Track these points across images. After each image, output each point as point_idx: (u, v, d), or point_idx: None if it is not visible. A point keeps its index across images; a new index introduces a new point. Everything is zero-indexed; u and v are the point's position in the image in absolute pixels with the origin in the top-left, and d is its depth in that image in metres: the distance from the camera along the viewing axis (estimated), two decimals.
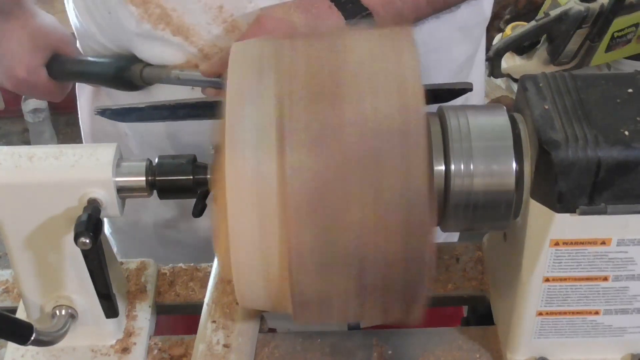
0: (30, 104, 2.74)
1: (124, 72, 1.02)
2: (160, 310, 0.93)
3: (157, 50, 0.99)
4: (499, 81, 2.30)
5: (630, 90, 0.74)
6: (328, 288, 0.69)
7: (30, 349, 0.85)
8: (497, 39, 2.23)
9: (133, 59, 1.02)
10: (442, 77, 1.09)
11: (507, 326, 0.83)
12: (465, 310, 1.02)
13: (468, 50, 1.14)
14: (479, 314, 0.93)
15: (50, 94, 1.11)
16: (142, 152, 1.12)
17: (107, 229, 1.27)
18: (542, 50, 2.34)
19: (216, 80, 0.93)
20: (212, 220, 0.72)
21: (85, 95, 1.18)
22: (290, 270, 0.67)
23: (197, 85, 0.97)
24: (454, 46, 1.10)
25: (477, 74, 1.20)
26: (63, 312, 0.82)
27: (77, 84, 1.18)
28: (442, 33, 1.06)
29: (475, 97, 1.18)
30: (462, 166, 0.72)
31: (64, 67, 1.07)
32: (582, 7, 2.29)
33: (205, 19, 0.96)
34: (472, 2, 1.05)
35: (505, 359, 0.83)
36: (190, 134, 1.04)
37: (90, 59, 1.07)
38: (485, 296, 0.91)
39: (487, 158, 0.72)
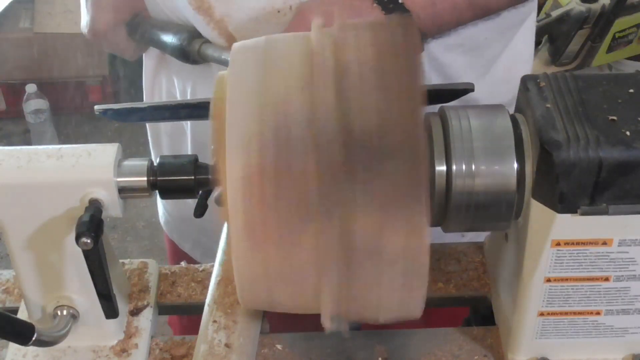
0: (31, 105, 2.72)
1: (187, 44, 1.03)
2: (162, 310, 0.93)
3: (203, 29, 1.00)
4: None
5: (631, 91, 0.74)
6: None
7: (32, 349, 0.85)
8: None
9: (197, 34, 1.03)
10: (470, 76, 1.08)
11: (508, 326, 0.83)
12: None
13: (500, 48, 1.12)
14: (481, 315, 0.93)
15: (124, 52, 1.15)
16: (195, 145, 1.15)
17: None
18: (543, 51, 2.34)
19: None
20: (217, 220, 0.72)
21: (150, 62, 1.19)
22: None
23: None
24: (488, 47, 1.09)
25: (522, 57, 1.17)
26: (64, 312, 0.82)
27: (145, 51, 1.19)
28: (479, 39, 1.05)
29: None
30: (463, 166, 0.72)
31: (140, 28, 1.09)
32: (583, 7, 2.29)
33: (247, 4, 0.96)
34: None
35: (507, 359, 0.83)
36: None
37: (163, 25, 1.08)
38: (486, 297, 0.91)
39: (489, 158, 0.72)
